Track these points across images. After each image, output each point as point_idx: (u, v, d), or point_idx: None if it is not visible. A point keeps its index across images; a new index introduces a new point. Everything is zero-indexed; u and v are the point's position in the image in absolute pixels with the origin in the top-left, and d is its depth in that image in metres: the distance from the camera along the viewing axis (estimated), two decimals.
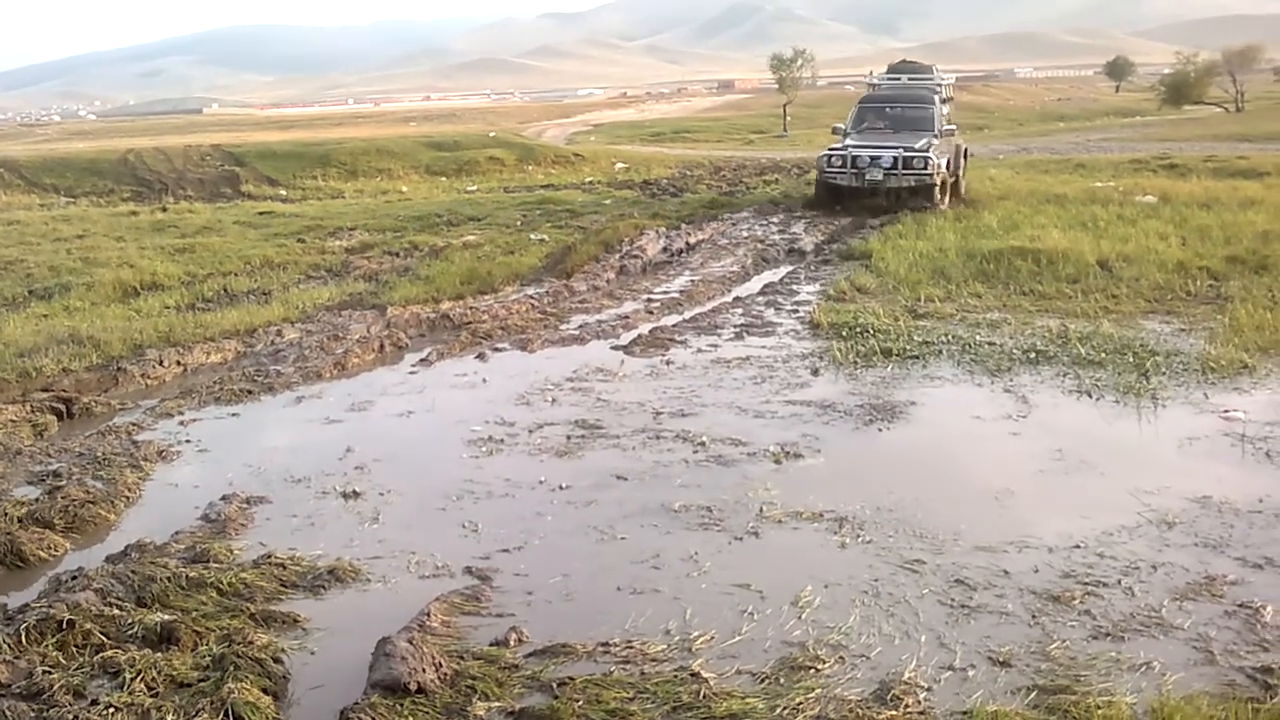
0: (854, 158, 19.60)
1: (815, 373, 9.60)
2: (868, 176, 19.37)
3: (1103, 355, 9.58)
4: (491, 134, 45.08)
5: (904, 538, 6.09)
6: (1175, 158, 27.55)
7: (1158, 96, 66.16)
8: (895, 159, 19.23)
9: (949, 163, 19.95)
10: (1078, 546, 5.89)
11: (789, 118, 56.14)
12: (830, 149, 20.57)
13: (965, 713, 4.37)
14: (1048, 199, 19.47)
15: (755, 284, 14.08)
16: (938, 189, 19.04)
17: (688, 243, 17.73)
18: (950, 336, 10.47)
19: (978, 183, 22.32)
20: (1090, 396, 8.61)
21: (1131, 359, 9.44)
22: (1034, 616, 5.17)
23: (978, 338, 10.39)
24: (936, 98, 21.28)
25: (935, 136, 19.89)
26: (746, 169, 32.54)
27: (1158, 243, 14.59)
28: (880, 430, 8.07)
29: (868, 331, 10.73)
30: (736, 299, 13.05)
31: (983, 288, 12.64)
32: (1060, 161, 28.56)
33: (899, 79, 23.32)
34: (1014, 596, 5.37)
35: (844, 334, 10.75)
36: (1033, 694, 4.52)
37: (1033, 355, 9.71)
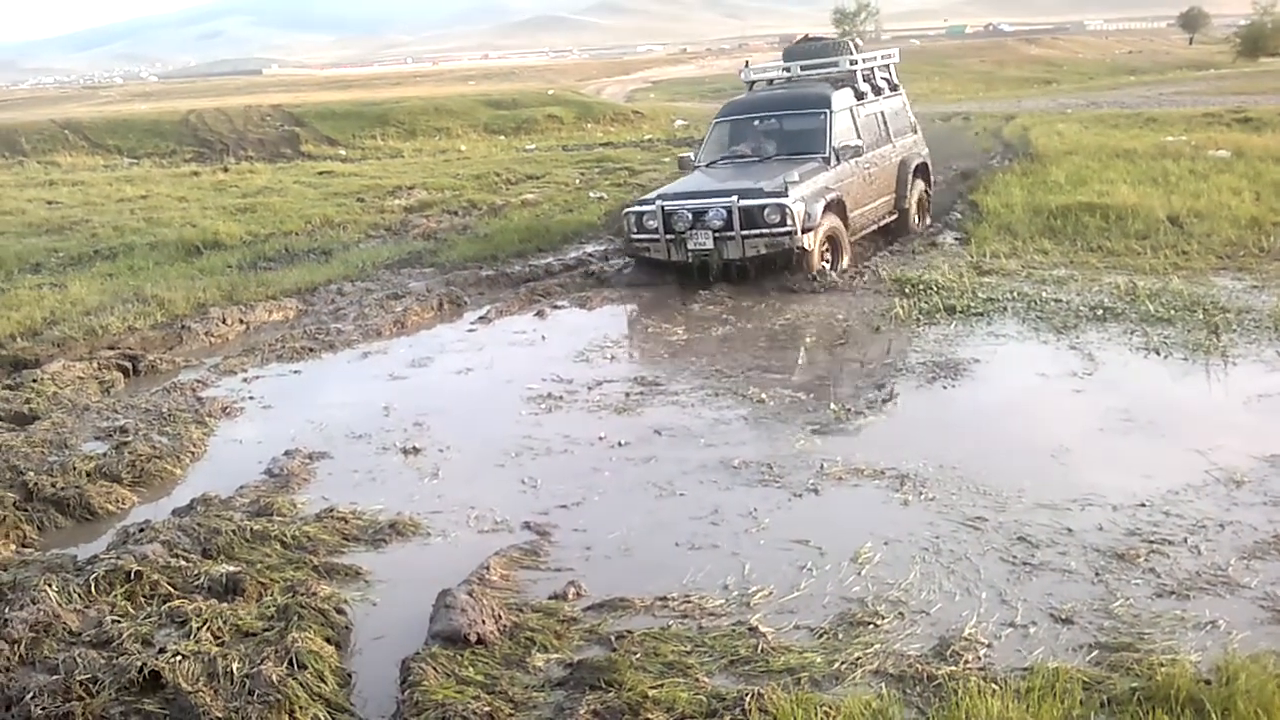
0: (668, 215, 11.45)
1: (877, 330, 9.50)
2: (691, 244, 11.36)
3: (1172, 312, 9.37)
4: (550, 92, 45.01)
5: (966, 495, 6.01)
6: (1250, 111, 26.79)
7: (1233, 49, 64.54)
8: (729, 212, 11.16)
9: (859, 197, 12.62)
10: (1143, 505, 5.78)
11: None
12: (639, 201, 12.42)
13: (1026, 669, 4.30)
14: (1117, 154, 19.00)
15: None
16: (812, 252, 11.32)
17: None
18: (1016, 293, 10.29)
19: (1044, 137, 21.72)
20: (1158, 354, 8.43)
21: (1201, 316, 9.22)
22: (1097, 574, 5.08)
23: (1044, 294, 10.20)
24: (839, 97, 12.88)
25: (823, 162, 12.11)
26: None
27: (1230, 198, 14.21)
28: (944, 388, 7.97)
29: (932, 288, 10.59)
30: None
31: (1049, 244, 12.41)
32: (1130, 116, 27.92)
33: (788, 72, 14.12)
34: (1077, 554, 5.28)
35: (908, 290, 10.63)
36: (1095, 651, 4.44)
37: (1100, 312, 9.52)
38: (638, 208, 11.88)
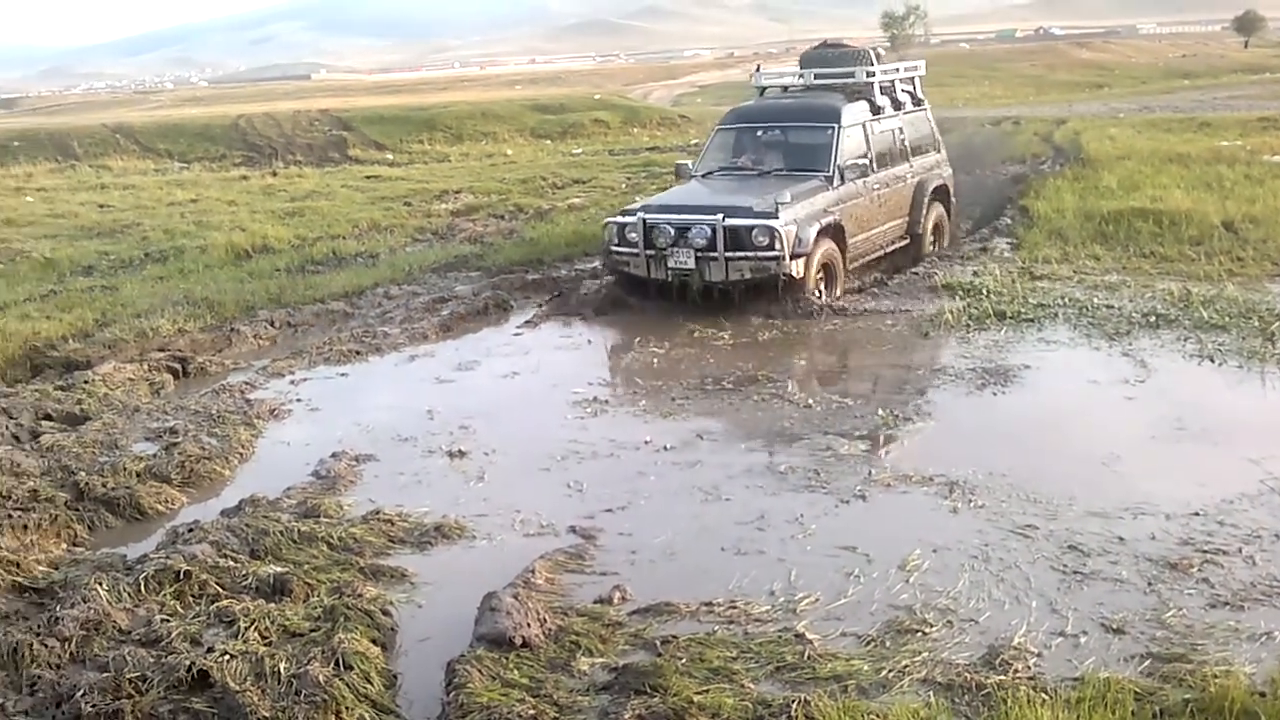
0: (650, 228, 10.61)
1: (925, 335, 9.43)
2: (672, 262, 10.50)
3: (1226, 319, 9.23)
4: (596, 96, 45.06)
5: (1016, 502, 5.94)
6: None
7: None
8: (713, 231, 10.26)
9: (863, 220, 11.58)
10: (1197, 514, 5.69)
11: None
12: (622, 210, 11.55)
13: (1076, 679, 4.25)
14: (1170, 158, 18.73)
15: None
16: (801, 279, 10.29)
17: None
18: (1067, 299, 10.18)
19: (1096, 142, 21.47)
20: (1212, 361, 8.30)
21: (1257, 323, 9.07)
22: (1150, 584, 5.01)
23: (1095, 300, 10.08)
24: (850, 111, 11.78)
25: (825, 181, 11.08)
26: None
27: None
28: (994, 394, 7.89)
29: (982, 293, 10.49)
30: None
31: (1101, 249, 12.26)
32: (1184, 120, 27.55)
33: (802, 80, 12.98)
34: (1129, 563, 5.21)
35: (958, 295, 10.54)
36: (1146, 662, 4.38)
37: (1153, 319, 9.39)
38: (620, 218, 11.03)
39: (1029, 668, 4.36)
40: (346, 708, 4.22)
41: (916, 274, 11.69)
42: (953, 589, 5.03)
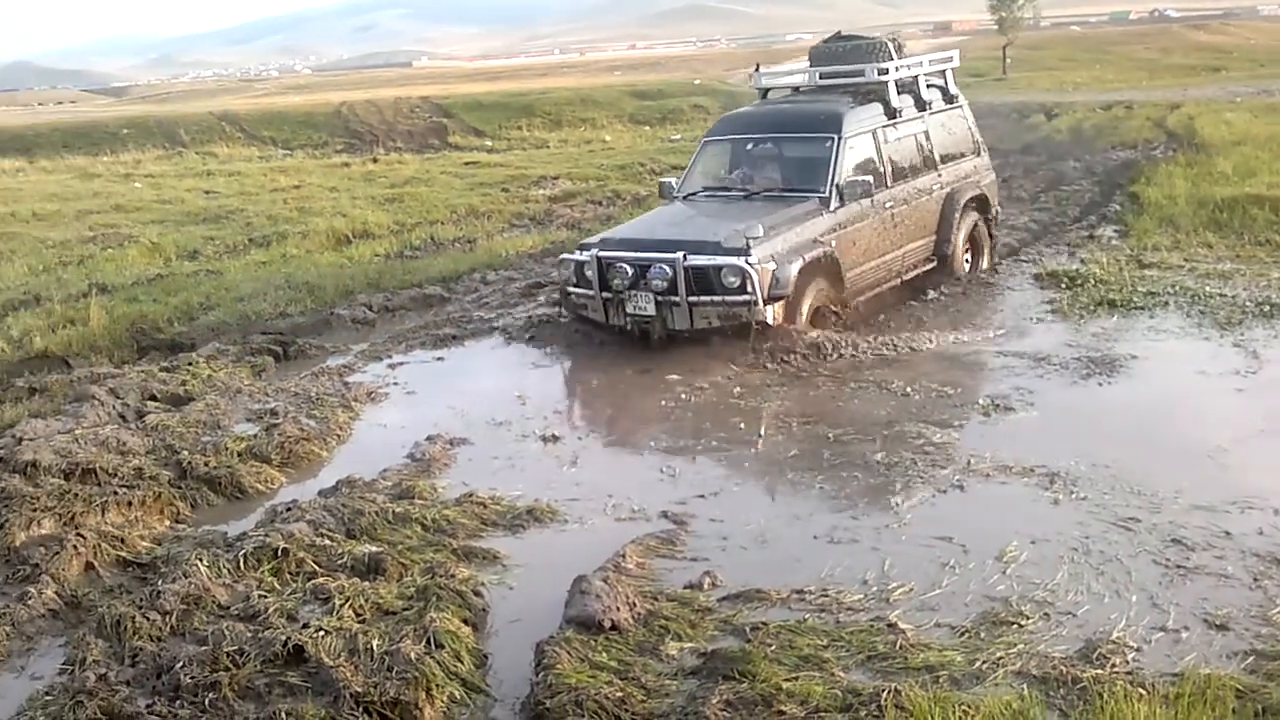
0: (606, 267, 8.99)
1: (1031, 323, 9.25)
2: (630, 307, 8.89)
3: None
4: (696, 81, 44.94)
5: (1119, 495, 5.79)
6: None
7: None
8: (674, 271, 8.60)
9: (870, 247, 9.73)
10: None
11: (1009, 60, 54.07)
12: (581, 245, 9.68)
13: (1176, 675, 4.13)
14: None
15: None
16: (778, 325, 8.65)
17: None
18: (1177, 287, 9.89)
19: (1211, 127, 20.81)
20: None
21: None
22: (1256, 579, 4.84)
23: (1207, 289, 9.78)
24: (856, 117, 9.94)
25: (821, 204, 9.33)
26: None
27: None
28: (1099, 384, 7.70)
29: (1090, 281, 10.26)
30: None
31: (1214, 237, 11.90)
32: None
33: (802, 81, 11.23)
34: (1235, 558, 5.04)
35: (1065, 283, 10.32)
36: (1250, 659, 4.24)
37: (1267, 308, 9.07)
38: (578, 255, 9.32)
39: (1127, 662, 4.25)
40: (437, 685, 4.25)
41: (1021, 261, 11.46)
42: (1051, 581, 4.92)
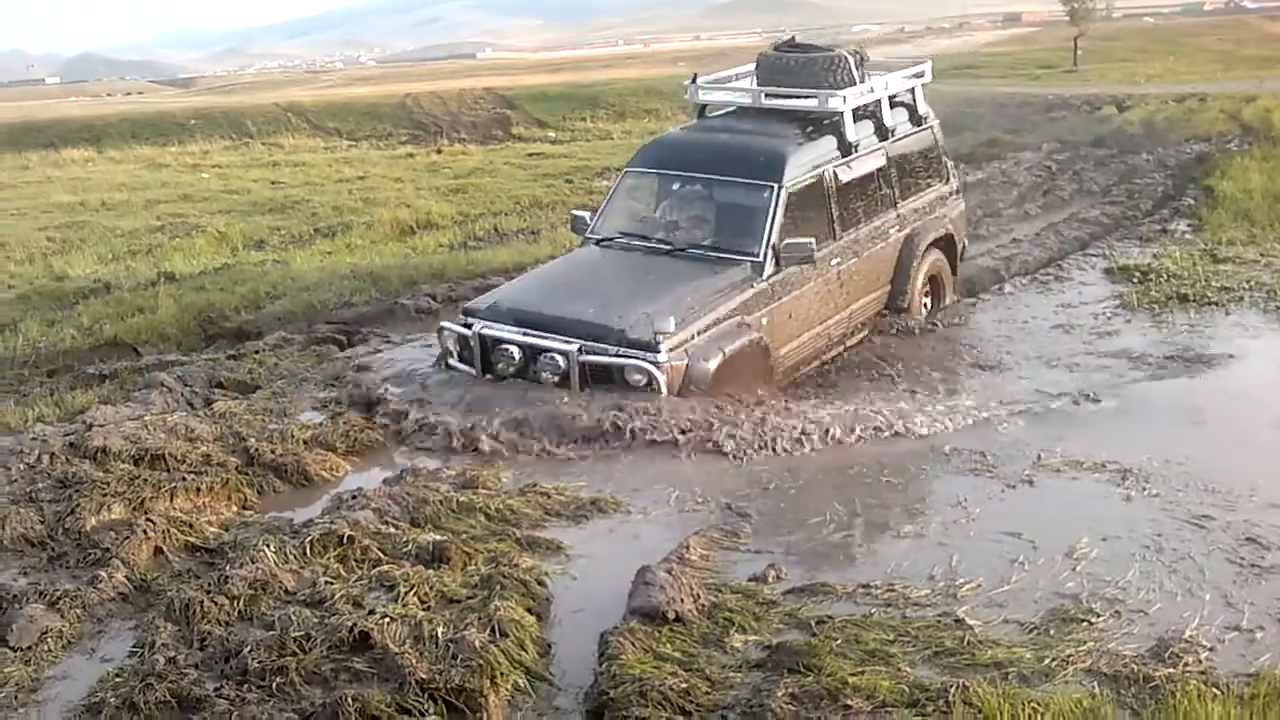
0: (489, 343, 7.57)
1: (1101, 318, 9.11)
2: None
3: None
4: None
5: (1193, 492, 5.69)
6: None
7: None
8: (566, 364, 7.24)
9: (807, 317, 8.19)
10: None
11: (1080, 51, 53.26)
12: (464, 309, 8.10)
13: (1251, 675, 4.05)
14: None
15: (1035, 226, 13.38)
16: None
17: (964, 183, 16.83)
18: (1253, 282, 9.70)
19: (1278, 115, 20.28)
20: None
21: None
22: None
23: None
24: (799, 160, 8.26)
25: (753, 270, 7.77)
26: (1031, 105, 30.86)
27: None
28: (1172, 379, 7.56)
29: (1163, 275, 10.09)
30: (1014, 240, 12.45)
31: None
32: None
33: (746, 101, 9.41)
34: None
35: (1136, 278, 10.16)
36: None
37: None
38: (456, 325, 7.85)
39: (1200, 662, 4.20)
40: (501, 673, 4.26)
41: (1091, 255, 11.28)
42: (1122, 579, 4.85)
